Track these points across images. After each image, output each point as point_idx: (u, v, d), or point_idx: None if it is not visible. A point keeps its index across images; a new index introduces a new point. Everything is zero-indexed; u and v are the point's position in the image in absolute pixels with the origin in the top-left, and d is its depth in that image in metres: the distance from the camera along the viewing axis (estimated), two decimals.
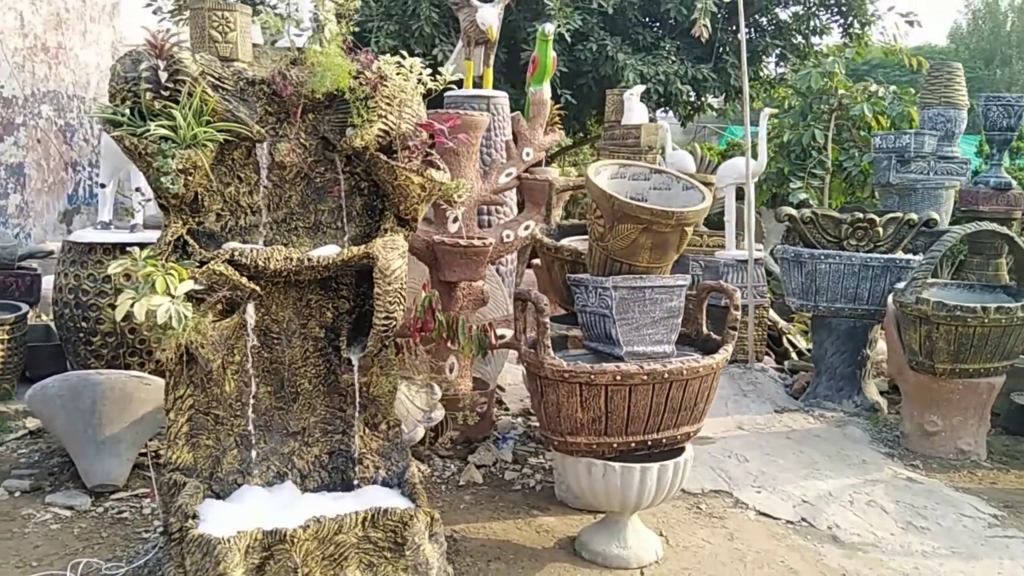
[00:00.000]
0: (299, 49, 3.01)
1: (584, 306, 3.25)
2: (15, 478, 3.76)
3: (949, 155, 6.11)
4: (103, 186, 4.62)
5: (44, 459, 3.99)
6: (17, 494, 3.64)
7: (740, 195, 6.18)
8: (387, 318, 3.03)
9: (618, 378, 2.96)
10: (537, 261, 4.55)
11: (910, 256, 5.12)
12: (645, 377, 2.98)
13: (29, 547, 3.22)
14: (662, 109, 10.51)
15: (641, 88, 7.05)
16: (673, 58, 9.43)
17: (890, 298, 4.74)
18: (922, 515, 3.80)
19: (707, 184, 5.50)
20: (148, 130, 2.67)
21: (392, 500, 3.04)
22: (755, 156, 5.99)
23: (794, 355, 7.03)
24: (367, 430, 3.26)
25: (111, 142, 4.50)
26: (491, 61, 5.07)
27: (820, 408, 5.28)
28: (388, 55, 3.05)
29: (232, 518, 2.83)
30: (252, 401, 3.09)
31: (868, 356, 5.35)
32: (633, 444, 3.11)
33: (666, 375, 3.00)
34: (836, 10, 10.33)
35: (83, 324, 4.33)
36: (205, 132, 2.76)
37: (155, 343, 2.84)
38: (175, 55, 2.77)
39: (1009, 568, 3.34)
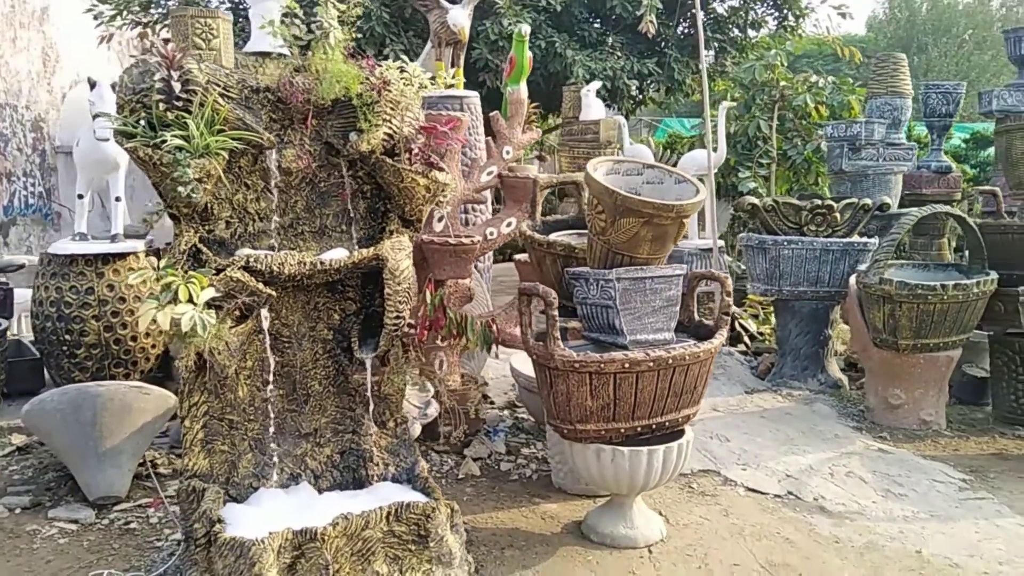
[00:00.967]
0: (302, 55, 3.06)
1: (584, 298, 3.37)
2: (13, 495, 3.71)
3: (896, 142, 6.43)
4: (80, 196, 4.56)
5: (38, 474, 3.94)
6: (18, 511, 3.60)
7: None
8: (397, 317, 3.11)
9: (626, 366, 3.09)
10: (520, 256, 4.65)
11: (866, 239, 5.38)
12: (651, 364, 3.12)
13: (41, 562, 3.20)
14: (607, 103, 10.73)
15: (597, 84, 7.21)
16: (619, 54, 9.63)
17: (852, 279, 4.99)
18: (898, 483, 4.03)
19: None
20: (164, 140, 2.69)
21: (407, 495, 3.11)
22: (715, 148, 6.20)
23: (746, 339, 7.28)
24: (376, 428, 3.33)
25: (88, 152, 4.49)
26: (461, 61, 5.15)
27: (787, 387, 5.52)
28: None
29: (256, 520, 2.88)
30: (269, 405, 3.13)
31: (830, 336, 5.60)
32: (639, 428, 3.25)
33: (670, 361, 3.15)
34: (771, 3, 10.69)
35: (66, 337, 4.29)
36: (218, 141, 2.79)
37: (174, 351, 2.88)
38: (184, 65, 2.79)
39: (984, 527, 3.58)
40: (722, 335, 3.37)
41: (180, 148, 2.72)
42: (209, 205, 3.01)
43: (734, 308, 7.93)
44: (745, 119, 8.49)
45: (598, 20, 10.29)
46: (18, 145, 10.26)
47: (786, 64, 8.82)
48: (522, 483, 4.03)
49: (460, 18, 4.90)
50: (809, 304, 5.50)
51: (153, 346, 4.60)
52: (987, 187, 5.61)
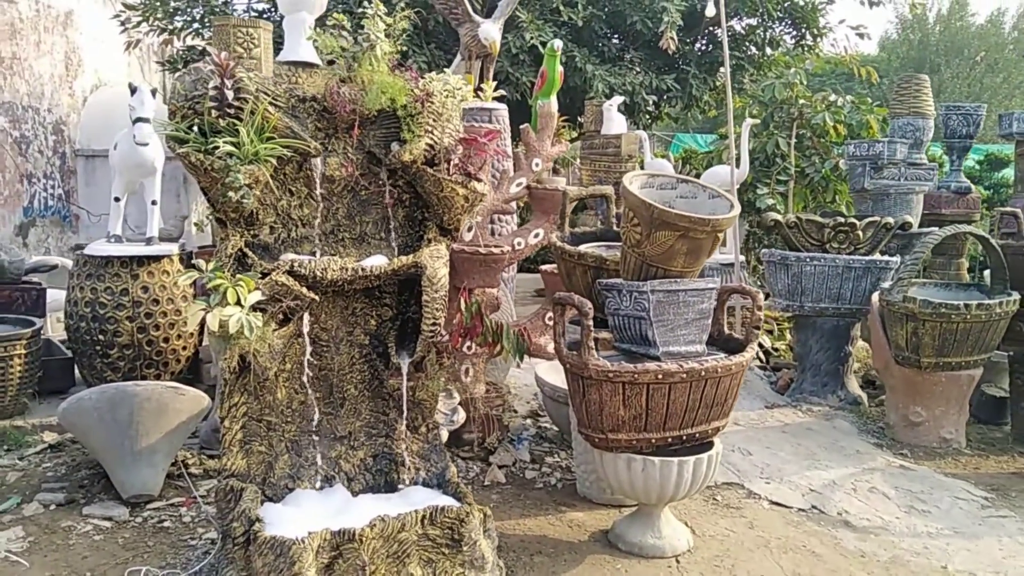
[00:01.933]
0: (348, 67, 3.12)
1: (617, 309, 3.42)
2: (47, 491, 3.77)
3: (918, 162, 6.47)
4: (117, 200, 4.63)
5: (71, 472, 4.00)
6: (52, 507, 3.66)
7: None
8: (434, 324, 3.16)
9: (659, 377, 3.14)
10: (547, 267, 4.70)
11: (888, 258, 5.42)
12: (684, 375, 3.16)
13: (77, 558, 3.26)
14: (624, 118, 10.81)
15: (619, 99, 7.28)
16: (638, 69, 9.71)
17: (875, 297, 5.03)
18: (921, 499, 4.06)
19: None
20: (216, 146, 2.75)
21: (439, 499, 3.15)
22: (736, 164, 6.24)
23: (761, 353, 7.31)
24: (408, 433, 3.37)
25: (126, 156, 4.56)
26: (490, 74, 5.22)
27: (807, 403, 5.56)
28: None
29: (294, 521, 2.93)
30: (309, 407, 3.19)
31: (850, 353, 5.64)
32: (670, 439, 3.29)
33: (703, 373, 3.19)
34: (789, 22, 10.76)
35: (100, 337, 4.35)
36: (268, 148, 2.85)
37: (204, 354, 2.93)
38: (236, 74, 2.86)
39: (1008, 545, 3.61)
40: (753, 348, 3.42)
41: (231, 154, 2.78)
42: (255, 211, 3.08)
43: None
44: (763, 136, 8.55)
45: (617, 36, 10.37)
46: (39, 147, 10.36)
47: (805, 83, 8.88)
48: (547, 491, 4.07)
49: (491, 32, 4.96)
50: (830, 321, 5.54)
51: (184, 348, 4.66)
52: (1008, 208, 5.65)
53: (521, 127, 4.56)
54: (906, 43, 28.43)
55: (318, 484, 3.24)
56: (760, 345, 7.69)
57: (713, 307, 3.38)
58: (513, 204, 5.10)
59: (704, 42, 10.49)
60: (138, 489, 3.66)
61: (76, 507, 3.67)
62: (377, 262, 3.15)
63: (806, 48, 10.69)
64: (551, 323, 3.68)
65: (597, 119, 7.25)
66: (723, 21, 5.99)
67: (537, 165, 4.58)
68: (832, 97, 8.53)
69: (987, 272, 5.22)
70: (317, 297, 3.03)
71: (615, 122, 7.01)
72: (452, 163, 3.22)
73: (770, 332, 7.79)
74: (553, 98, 4.69)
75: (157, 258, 4.55)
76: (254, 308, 2.83)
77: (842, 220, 5.38)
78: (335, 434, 3.31)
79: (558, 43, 4.40)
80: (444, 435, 4.22)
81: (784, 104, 8.62)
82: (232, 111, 2.82)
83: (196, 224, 7.19)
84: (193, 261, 3.08)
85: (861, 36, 10.42)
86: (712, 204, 3.39)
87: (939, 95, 23.89)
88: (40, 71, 10.23)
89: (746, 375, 6.00)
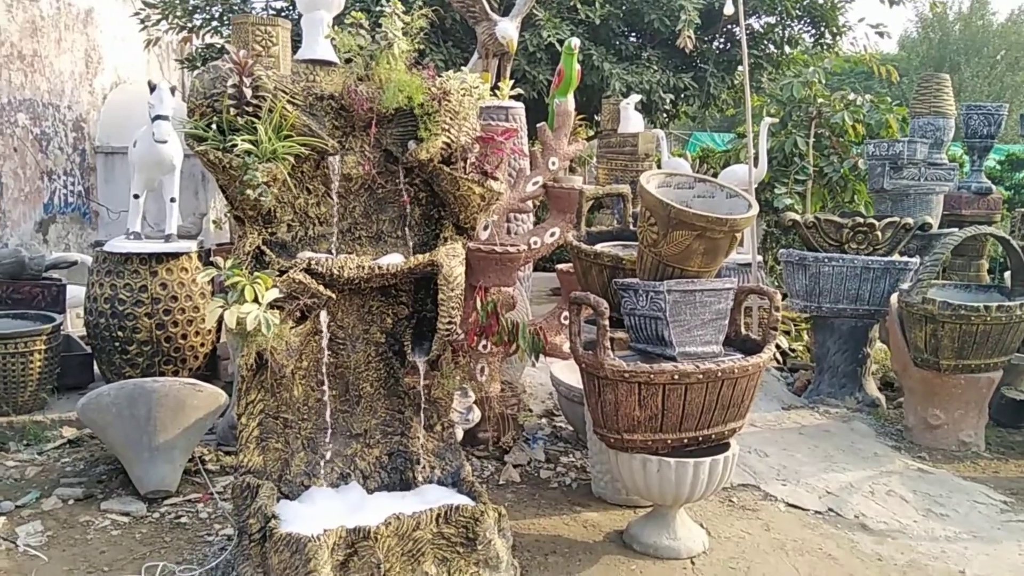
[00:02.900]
0: (366, 65, 3.12)
1: (633, 309, 3.40)
2: (66, 486, 3.80)
3: (938, 162, 6.42)
4: (136, 196, 4.66)
5: (90, 467, 4.03)
6: (71, 502, 3.69)
7: None
8: (450, 322, 3.17)
9: (675, 377, 3.13)
10: (562, 266, 4.69)
11: (907, 259, 5.38)
12: (701, 376, 3.15)
13: (95, 552, 3.28)
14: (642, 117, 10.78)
15: (637, 98, 7.26)
16: (655, 67, 9.67)
17: (894, 298, 4.99)
18: (939, 503, 4.03)
19: None
20: (235, 144, 2.76)
21: (454, 498, 3.15)
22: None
23: (778, 355, 7.27)
24: (424, 431, 3.38)
25: (145, 153, 4.59)
26: (507, 73, 5.21)
27: (824, 405, 5.52)
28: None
29: (309, 518, 2.93)
30: (324, 405, 3.19)
31: (869, 354, 5.60)
32: (686, 440, 3.28)
33: (719, 374, 3.18)
34: (808, 21, 10.69)
35: (119, 333, 4.38)
36: (286, 146, 2.86)
37: (221, 351, 2.94)
38: (255, 72, 2.87)
39: None
40: (770, 349, 3.40)
41: (249, 152, 2.79)
42: (272, 208, 3.08)
43: None
44: (781, 135, 8.49)
45: (635, 34, 10.34)
46: (59, 144, 10.44)
47: (824, 82, 8.82)
48: (562, 491, 4.06)
49: (509, 30, 4.95)
50: (848, 322, 5.50)
51: (202, 344, 4.69)
52: None
53: (538, 125, 4.56)
54: (926, 42, 28.19)
55: (334, 482, 3.25)
56: (777, 346, 7.66)
57: (730, 307, 3.36)
58: (529, 203, 5.10)
59: (722, 40, 10.44)
60: (156, 485, 3.69)
61: (94, 502, 3.70)
62: (393, 260, 3.15)
63: (825, 47, 10.62)
64: (567, 322, 3.68)
65: (614, 118, 7.23)
66: (741, 19, 5.96)
67: (554, 164, 4.57)
68: (851, 96, 8.45)
69: (1007, 274, 5.16)
70: (334, 295, 3.04)
71: (632, 121, 7.00)
72: (469, 161, 3.22)
73: (787, 333, 7.75)
74: (570, 96, 4.66)
75: (176, 255, 4.59)
76: (271, 306, 2.84)
77: (861, 220, 5.33)
78: (351, 432, 3.32)
79: (575, 41, 4.37)
80: (459, 434, 4.22)
81: (803, 103, 8.55)
82: (250, 109, 2.83)
83: (214, 222, 7.24)
84: (211, 258, 3.10)
85: (881, 35, 10.34)
86: (730, 204, 3.37)
87: (960, 94, 23.68)
88: (60, 68, 10.32)
89: (763, 376, 5.98)
